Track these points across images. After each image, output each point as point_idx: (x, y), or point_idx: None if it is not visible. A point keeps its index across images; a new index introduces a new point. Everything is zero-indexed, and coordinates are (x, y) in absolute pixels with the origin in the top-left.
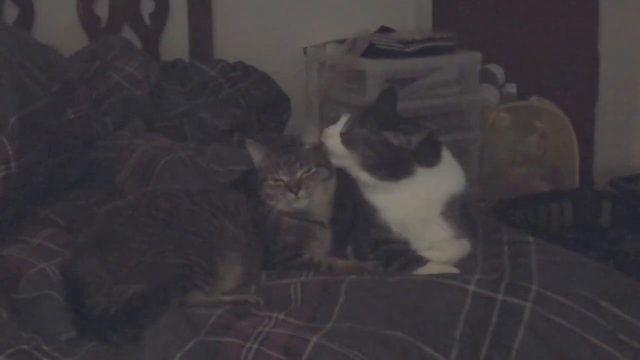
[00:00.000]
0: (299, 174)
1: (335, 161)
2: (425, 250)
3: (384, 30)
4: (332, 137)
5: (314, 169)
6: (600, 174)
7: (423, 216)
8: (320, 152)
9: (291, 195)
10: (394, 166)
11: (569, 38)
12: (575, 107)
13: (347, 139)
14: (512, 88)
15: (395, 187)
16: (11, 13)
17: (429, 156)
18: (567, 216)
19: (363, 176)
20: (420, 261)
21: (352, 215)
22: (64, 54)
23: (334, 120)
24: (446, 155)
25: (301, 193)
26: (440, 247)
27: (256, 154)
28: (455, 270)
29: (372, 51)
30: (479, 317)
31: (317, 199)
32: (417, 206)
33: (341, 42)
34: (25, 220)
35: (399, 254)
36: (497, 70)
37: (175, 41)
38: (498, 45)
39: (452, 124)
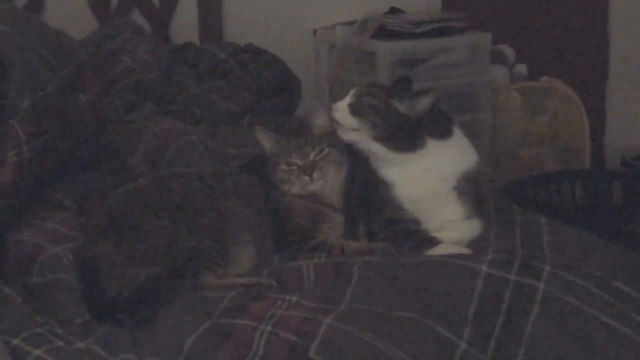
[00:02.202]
0: (311, 156)
1: (346, 136)
2: (437, 231)
3: (394, 11)
4: (341, 110)
5: (326, 150)
6: (612, 153)
7: (436, 191)
8: (331, 134)
9: (306, 178)
10: (405, 136)
11: (579, 18)
12: (586, 87)
13: (355, 108)
14: (522, 68)
15: (408, 160)
16: None
17: (439, 128)
18: (578, 196)
19: (374, 147)
20: (433, 242)
21: (364, 195)
22: (74, 38)
23: (333, 94)
24: (458, 131)
25: (315, 175)
26: (452, 228)
27: (265, 140)
28: (467, 251)
29: (382, 32)
30: (491, 298)
31: (330, 180)
32: (430, 181)
33: (351, 23)
34: (38, 204)
35: (410, 234)
36: (508, 51)
37: (185, 24)
38: (508, 25)
39: (462, 105)
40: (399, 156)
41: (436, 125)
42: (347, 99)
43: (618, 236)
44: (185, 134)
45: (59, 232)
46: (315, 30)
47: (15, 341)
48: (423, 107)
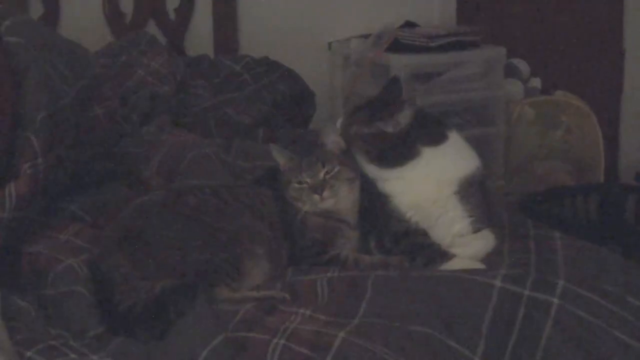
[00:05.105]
0: (321, 175)
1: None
2: (448, 247)
3: (409, 25)
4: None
5: (337, 168)
6: (626, 168)
7: (436, 197)
8: (344, 151)
9: (315, 197)
10: (397, 151)
11: (594, 32)
12: (600, 101)
13: (345, 138)
14: (536, 82)
15: (404, 171)
16: (37, 10)
17: (432, 135)
18: (592, 210)
19: (370, 168)
20: (446, 256)
21: (371, 209)
22: (90, 50)
23: (346, 107)
24: (454, 136)
25: (325, 194)
26: (463, 243)
27: (280, 158)
28: (481, 266)
29: (397, 46)
30: (505, 313)
31: (342, 198)
32: (429, 187)
33: (366, 37)
34: (53, 216)
35: (423, 248)
36: (522, 65)
37: (200, 37)
38: (523, 39)
39: (477, 119)
40: (394, 171)
41: (428, 132)
42: (338, 124)
43: (632, 251)
44: (200, 146)
45: (73, 244)
46: (330, 44)
47: (29, 354)
48: (406, 120)
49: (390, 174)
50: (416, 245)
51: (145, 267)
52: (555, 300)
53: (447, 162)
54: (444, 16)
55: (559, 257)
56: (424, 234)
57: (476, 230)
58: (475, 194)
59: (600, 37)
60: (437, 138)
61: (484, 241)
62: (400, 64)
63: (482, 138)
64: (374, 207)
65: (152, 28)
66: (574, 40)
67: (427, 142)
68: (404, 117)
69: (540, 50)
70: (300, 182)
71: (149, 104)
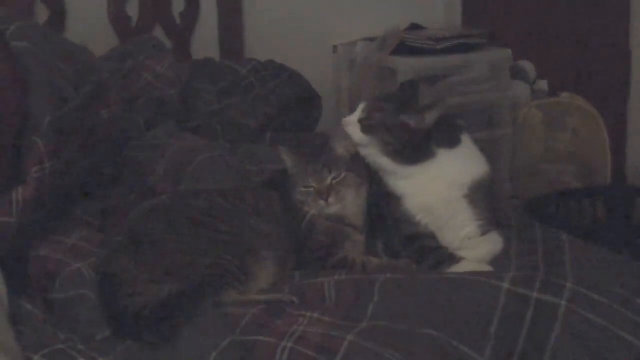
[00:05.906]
0: (328, 181)
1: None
2: (457, 250)
3: (415, 27)
4: (351, 125)
5: (344, 174)
6: (633, 170)
7: (446, 199)
8: (352, 156)
9: (321, 202)
10: (414, 149)
11: (601, 34)
12: (607, 103)
13: (365, 125)
14: (543, 85)
15: (417, 171)
16: (42, 14)
17: (448, 137)
18: (599, 213)
19: (383, 162)
20: (454, 259)
21: (379, 212)
22: (95, 54)
23: (353, 110)
24: (467, 140)
25: (331, 199)
26: (471, 246)
27: (288, 160)
28: (489, 268)
29: (403, 49)
30: (513, 315)
31: (349, 204)
32: (440, 189)
33: (371, 40)
34: (60, 220)
35: (431, 251)
36: (528, 67)
37: (206, 40)
38: (529, 41)
39: (483, 121)
40: (408, 169)
41: (445, 134)
42: (357, 114)
43: (639, 253)
44: (207, 150)
45: (81, 248)
46: (335, 47)
47: (37, 358)
48: (432, 119)
49: (403, 171)
50: (424, 248)
51: (153, 270)
52: (563, 303)
53: (459, 165)
54: (449, 19)
55: (567, 259)
56: (432, 236)
57: (484, 233)
58: (484, 197)
59: (606, 39)
60: (452, 141)
61: (492, 244)
62: (406, 66)
63: (489, 140)
64: (383, 210)
65: (158, 32)
66: (581, 42)
67: (442, 144)
68: (431, 117)
69: (546, 52)
70: (307, 186)
71: (155, 108)
